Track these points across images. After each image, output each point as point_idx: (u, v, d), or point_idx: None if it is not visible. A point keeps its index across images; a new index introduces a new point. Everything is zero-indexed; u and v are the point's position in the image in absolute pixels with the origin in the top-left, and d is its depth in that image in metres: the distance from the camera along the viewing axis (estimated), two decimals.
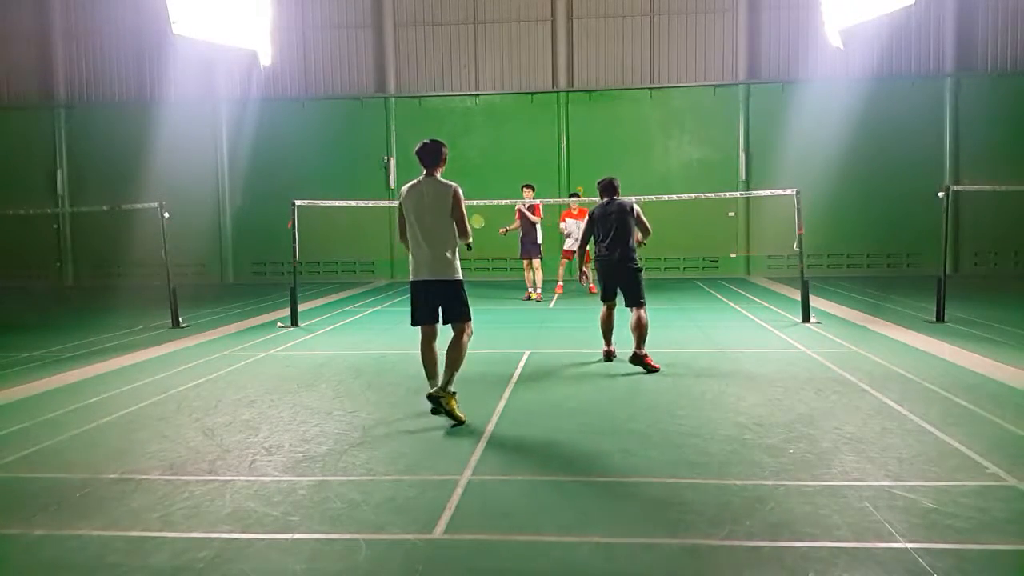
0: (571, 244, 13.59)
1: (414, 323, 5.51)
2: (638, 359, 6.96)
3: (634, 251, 7.25)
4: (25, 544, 3.40)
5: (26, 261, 19.31)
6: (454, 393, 5.27)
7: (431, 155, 5.46)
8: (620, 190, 7.46)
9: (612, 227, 7.19)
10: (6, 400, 6.18)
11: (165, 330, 10.12)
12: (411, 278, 5.49)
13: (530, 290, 13.28)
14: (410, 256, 5.51)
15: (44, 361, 7.98)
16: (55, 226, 19.19)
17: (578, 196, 13.54)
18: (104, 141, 18.92)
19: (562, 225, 13.85)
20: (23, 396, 6.32)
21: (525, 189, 12.90)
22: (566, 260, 13.92)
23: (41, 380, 6.92)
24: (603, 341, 7.50)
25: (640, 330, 7.01)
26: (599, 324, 7.49)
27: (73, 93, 19.46)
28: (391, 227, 18.40)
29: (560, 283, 14.16)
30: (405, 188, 5.54)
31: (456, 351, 5.32)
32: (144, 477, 4.22)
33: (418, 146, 5.49)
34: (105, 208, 13.06)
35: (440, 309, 5.43)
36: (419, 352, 5.52)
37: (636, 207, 7.31)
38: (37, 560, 3.25)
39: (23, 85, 19.54)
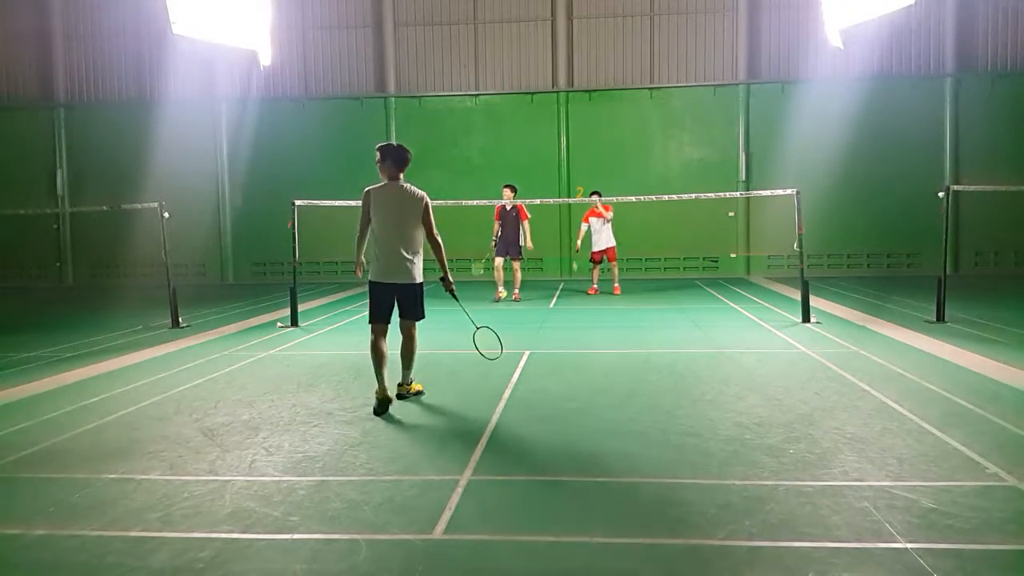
0: (602, 244, 13.41)
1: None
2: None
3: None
4: (25, 544, 3.40)
5: (26, 261, 19.34)
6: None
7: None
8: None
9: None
10: (6, 400, 6.18)
11: (165, 330, 10.11)
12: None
13: (500, 291, 13.02)
14: None
15: (44, 361, 7.97)
16: (55, 226, 19.19)
17: (599, 194, 13.14)
18: (104, 141, 18.91)
19: (584, 226, 13.61)
20: (23, 396, 6.32)
21: (506, 189, 12.56)
22: (595, 262, 13.69)
23: (41, 380, 6.92)
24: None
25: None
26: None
27: (73, 93, 19.45)
28: None
29: (594, 285, 13.88)
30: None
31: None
32: (144, 477, 4.22)
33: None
34: (105, 208, 13.06)
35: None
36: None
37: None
38: (37, 560, 3.25)
39: (23, 85, 19.55)
